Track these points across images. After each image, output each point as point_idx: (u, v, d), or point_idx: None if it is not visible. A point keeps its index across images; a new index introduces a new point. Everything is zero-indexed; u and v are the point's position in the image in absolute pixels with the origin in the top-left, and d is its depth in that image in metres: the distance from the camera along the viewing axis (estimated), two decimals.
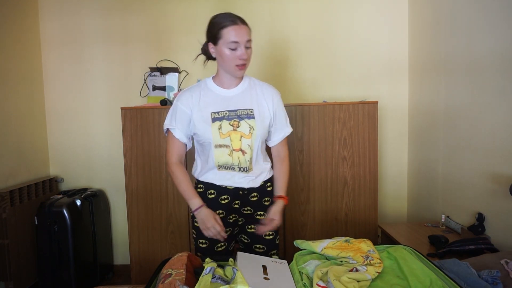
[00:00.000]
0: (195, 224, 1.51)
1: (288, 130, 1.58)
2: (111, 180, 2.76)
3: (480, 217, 1.83)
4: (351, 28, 2.64)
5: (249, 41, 1.40)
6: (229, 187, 1.49)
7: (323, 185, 2.26)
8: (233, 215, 1.54)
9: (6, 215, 2.21)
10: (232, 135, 1.43)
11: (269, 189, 1.57)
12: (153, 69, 2.61)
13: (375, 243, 1.47)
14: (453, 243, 1.74)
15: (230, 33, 1.35)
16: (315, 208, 2.27)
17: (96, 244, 2.57)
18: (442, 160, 2.23)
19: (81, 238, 2.43)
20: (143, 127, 2.23)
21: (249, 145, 1.45)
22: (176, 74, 2.61)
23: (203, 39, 1.49)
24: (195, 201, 1.46)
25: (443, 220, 2.13)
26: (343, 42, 2.65)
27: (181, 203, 2.28)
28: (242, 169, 1.47)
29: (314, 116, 2.23)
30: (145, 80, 2.66)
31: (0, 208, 2.19)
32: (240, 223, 1.57)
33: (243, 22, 1.40)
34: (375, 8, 2.63)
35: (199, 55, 1.53)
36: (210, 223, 1.42)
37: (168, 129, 1.50)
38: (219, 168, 1.47)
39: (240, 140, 1.44)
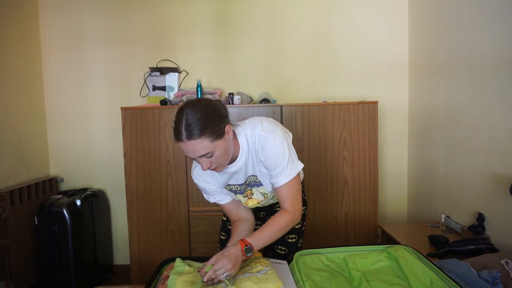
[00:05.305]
0: (223, 218, 1.64)
1: (280, 180, 1.28)
2: (111, 180, 2.76)
3: (480, 217, 1.83)
4: (351, 28, 2.64)
5: (205, 154, 1.14)
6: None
7: (323, 185, 2.26)
8: (258, 223, 1.57)
9: (6, 215, 2.21)
10: (249, 203, 1.42)
11: None
12: (153, 69, 2.61)
13: (375, 243, 1.47)
14: (453, 243, 1.75)
15: (181, 147, 1.15)
16: (315, 208, 2.27)
17: (96, 244, 2.57)
18: (442, 160, 2.23)
19: (81, 238, 2.43)
20: (143, 127, 2.24)
21: (265, 203, 1.49)
22: (176, 74, 2.61)
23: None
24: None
25: (443, 220, 2.13)
26: (343, 42, 2.65)
27: (181, 203, 2.28)
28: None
29: (314, 116, 2.23)
30: (145, 80, 2.66)
31: (0, 208, 2.19)
32: None
33: (191, 136, 1.10)
34: (375, 8, 2.63)
35: None
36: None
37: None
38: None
39: (258, 203, 1.44)
